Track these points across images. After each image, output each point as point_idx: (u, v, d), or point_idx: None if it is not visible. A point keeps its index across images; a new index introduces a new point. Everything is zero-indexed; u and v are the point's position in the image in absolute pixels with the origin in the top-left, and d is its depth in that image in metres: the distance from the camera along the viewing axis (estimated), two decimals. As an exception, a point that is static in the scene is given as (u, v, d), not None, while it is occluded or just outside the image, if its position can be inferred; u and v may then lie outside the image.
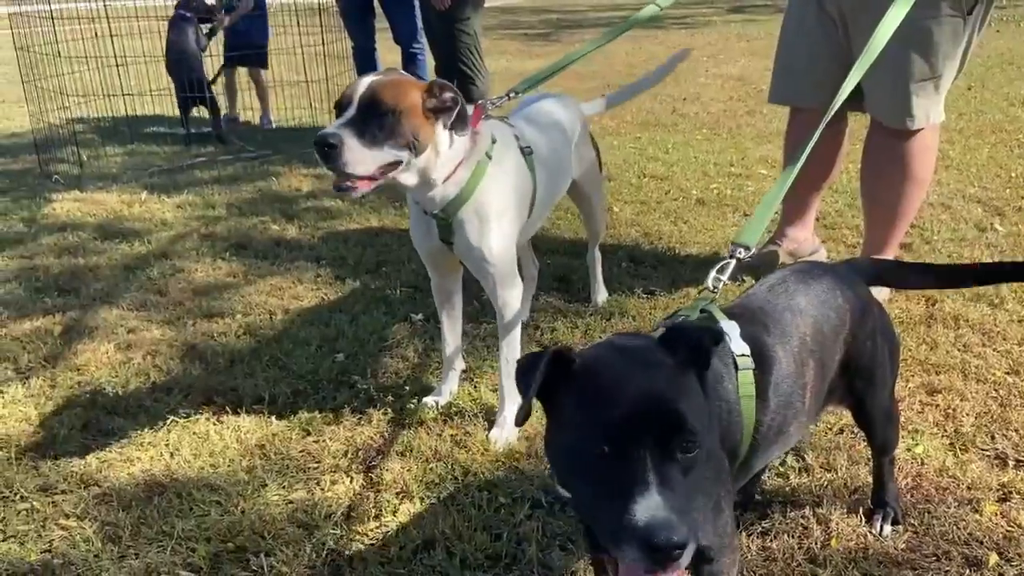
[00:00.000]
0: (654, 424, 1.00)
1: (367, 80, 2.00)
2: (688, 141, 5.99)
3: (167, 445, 2.37)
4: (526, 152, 2.39)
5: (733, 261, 1.52)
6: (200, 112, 6.50)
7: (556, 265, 3.53)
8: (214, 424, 2.47)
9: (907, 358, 2.54)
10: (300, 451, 2.32)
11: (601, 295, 3.18)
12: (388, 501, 2.07)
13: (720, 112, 7.24)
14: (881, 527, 1.81)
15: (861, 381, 1.61)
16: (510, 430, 2.33)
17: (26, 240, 4.17)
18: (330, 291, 3.46)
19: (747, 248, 1.54)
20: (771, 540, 1.83)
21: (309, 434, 2.41)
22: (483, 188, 2.20)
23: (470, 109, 2.26)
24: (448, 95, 2.05)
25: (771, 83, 3.25)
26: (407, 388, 2.62)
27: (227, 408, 2.54)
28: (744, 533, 1.84)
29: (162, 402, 2.61)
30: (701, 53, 11.71)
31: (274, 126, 7.10)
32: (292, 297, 3.42)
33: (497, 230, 2.25)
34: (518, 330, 2.39)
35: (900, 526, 1.83)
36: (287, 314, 3.25)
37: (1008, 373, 2.44)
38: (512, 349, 2.37)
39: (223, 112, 6.75)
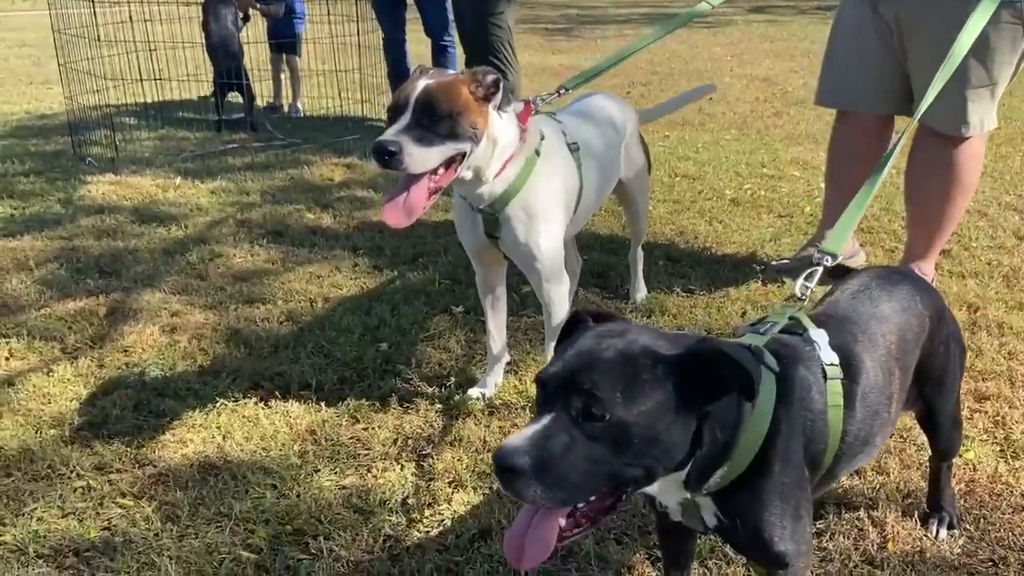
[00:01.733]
0: (563, 385, 1.11)
1: (420, 83, 2.00)
2: (717, 141, 5.99)
3: (218, 428, 2.40)
4: (573, 149, 2.40)
5: (820, 269, 1.52)
6: (235, 98, 6.52)
7: (594, 261, 3.54)
8: (263, 408, 2.50)
9: (952, 364, 2.55)
10: (350, 437, 2.35)
11: (641, 292, 3.19)
12: (441, 490, 2.10)
13: (747, 113, 7.23)
14: (937, 531, 1.82)
15: (931, 386, 1.62)
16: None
17: (64, 222, 4.21)
18: (369, 280, 3.48)
19: (834, 256, 1.55)
20: (827, 541, 1.85)
21: (358, 421, 2.43)
22: (531, 185, 2.22)
23: (519, 105, 2.28)
24: (490, 79, 2.06)
25: (819, 84, 3.24)
26: (452, 379, 2.64)
27: (275, 393, 2.57)
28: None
29: (210, 385, 2.63)
30: (724, 52, 11.69)
31: (302, 115, 7.13)
32: (331, 285, 3.44)
33: (544, 227, 2.27)
34: (564, 325, 2.41)
35: (956, 530, 1.84)
36: (328, 302, 3.27)
37: (1054, 381, 2.45)
38: (560, 344, 2.39)
39: (268, 100, 6.79)
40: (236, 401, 2.53)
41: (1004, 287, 3.14)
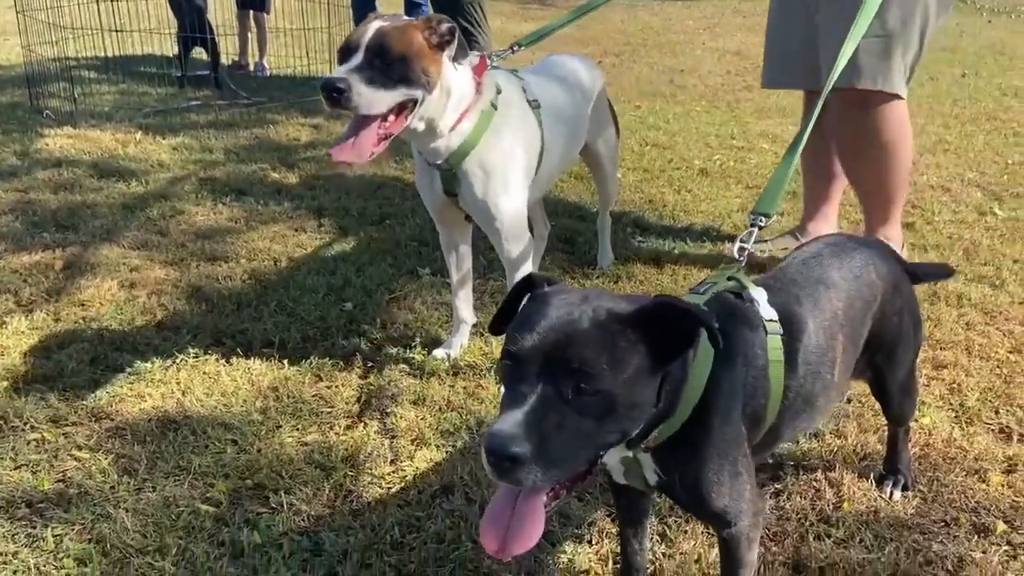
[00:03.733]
0: (547, 361, 1.07)
1: (373, 26, 1.97)
2: (688, 112, 5.99)
3: (178, 383, 2.36)
4: (534, 106, 2.36)
5: (755, 230, 1.53)
6: (199, 54, 6.36)
7: (562, 227, 3.53)
8: (224, 365, 2.46)
9: (912, 333, 2.59)
10: (313, 395, 2.33)
11: (607, 258, 3.19)
12: (404, 447, 2.09)
13: (718, 85, 7.24)
14: (892, 492, 1.86)
15: (883, 356, 1.63)
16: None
17: (20, 174, 4.09)
18: (334, 241, 3.44)
19: (767, 216, 1.55)
20: (784, 500, 1.87)
21: (321, 379, 2.41)
22: (487, 140, 2.18)
23: (475, 59, 2.24)
24: (445, 26, 2.03)
25: (763, 67, 3.20)
26: (416, 340, 2.62)
27: (237, 350, 2.53)
28: (758, 492, 1.88)
29: (170, 341, 2.59)
30: (697, 25, 11.68)
31: (268, 74, 6.99)
32: (296, 245, 3.39)
33: (503, 184, 2.24)
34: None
35: (910, 492, 1.88)
36: (292, 261, 3.23)
37: (1011, 352, 2.49)
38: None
39: (233, 58, 6.62)
40: (197, 357, 2.49)
41: (964, 260, 3.19)
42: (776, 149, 4.85)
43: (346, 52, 1.96)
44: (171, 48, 6.44)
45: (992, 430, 2.13)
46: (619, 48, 9.37)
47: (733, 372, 1.28)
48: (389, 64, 1.93)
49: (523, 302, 1.21)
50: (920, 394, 2.27)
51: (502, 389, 1.15)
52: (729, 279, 1.42)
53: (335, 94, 1.89)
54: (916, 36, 2.73)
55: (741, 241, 1.53)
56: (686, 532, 1.76)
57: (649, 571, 1.66)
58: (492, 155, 2.18)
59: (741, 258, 1.50)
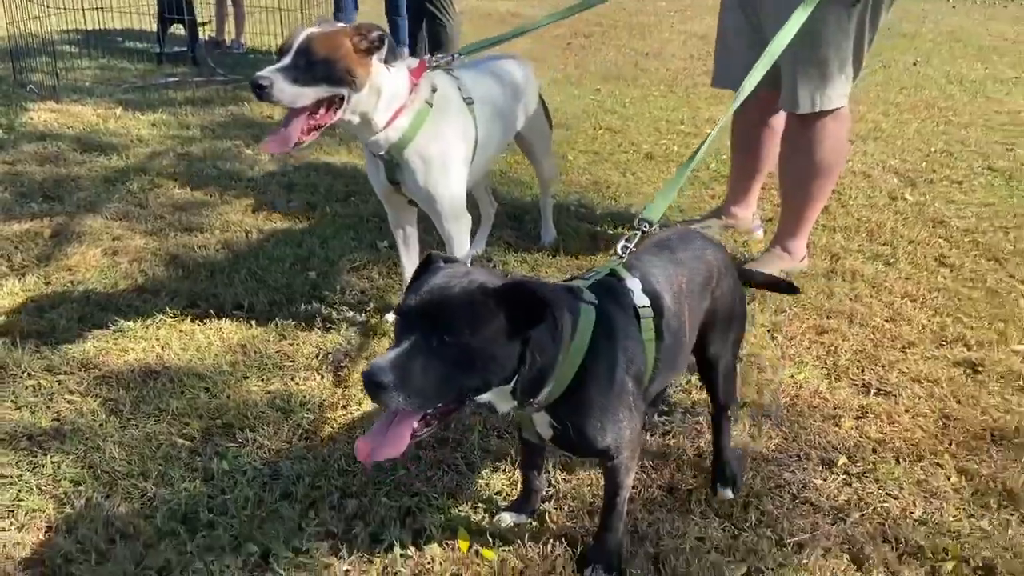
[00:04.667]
0: (422, 315, 1.39)
1: (304, 32, 2.27)
2: (645, 96, 6.31)
3: (157, 340, 2.68)
4: (468, 102, 2.65)
5: (639, 234, 1.83)
6: (177, 30, 6.58)
7: (511, 205, 3.86)
8: (199, 325, 2.78)
9: (805, 304, 2.96)
10: (276, 351, 2.65)
11: (549, 236, 3.52)
12: (354, 395, 2.42)
13: (679, 70, 7.55)
14: (723, 493, 2.01)
15: (715, 332, 1.91)
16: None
17: (7, 147, 4.35)
18: (302, 216, 3.75)
19: (650, 223, 1.85)
20: (670, 439, 2.23)
21: (285, 338, 2.73)
22: (424, 133, 2.47)
23: (414, 62, 2.54)
24: (375, 34, 2.30)
25: (713, 68, 3.44)
26: (372, 305, 2.95)
27: (210, 312, 2.85)
28: (648, 433, 2.24)
29: (150, 303, 2.90)
30: (669, 7, 11.95)
31: (244, 51, 7.22)
32: (266, 219, 3.70)
33: (441, 172, 2.52)
34: (466, 261, 2.71)
35: (740, 490, 2.03)
36: (262, 233, 3.54)
37: (887, 320, 2.87)
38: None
39: (210, 34, 6.84)
40: (174, 317, 2.81)
41: (867, 240, 3.56)
42: (720, 136, 5.17)
43: (281, 53, 2.28)
44: (150, 24, 6.65)
45: (855, 385, 2.50)
46: (590, 29, 9.65)
47: (612, 343, 1.59)
48: (313, 64, 2.23)
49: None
50: (801, 355, 2.65)
51: None
52: (611, 272, 1.74)
53: (259, 89, 2.20)
54: (852, 55, 2.92)
55: (625, 241, 1.80)
56: (581, 464, 2.12)
57: (550, 492, 2.02)
58: (430, 147, 2.48)
59: (623, 255, 1.78)
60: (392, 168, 2.52)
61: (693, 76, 7.27)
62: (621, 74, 7.18)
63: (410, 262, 2.89)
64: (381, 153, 2.49)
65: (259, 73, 2.23)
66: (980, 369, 2.56)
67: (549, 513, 1.96)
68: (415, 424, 1.45)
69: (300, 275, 3.16)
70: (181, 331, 2.74)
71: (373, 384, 1.36)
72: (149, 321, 2.78)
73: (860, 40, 2.92)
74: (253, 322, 2.81)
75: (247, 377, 2.51)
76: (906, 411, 2.35)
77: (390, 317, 2.86)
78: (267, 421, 2.30)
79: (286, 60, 2.24)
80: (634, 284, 1.67)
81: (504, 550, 1.84)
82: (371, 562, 1.81)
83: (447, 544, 1.86)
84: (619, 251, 1.76)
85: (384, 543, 1.85)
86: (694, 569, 1.78)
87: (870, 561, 1.80)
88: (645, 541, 1.87)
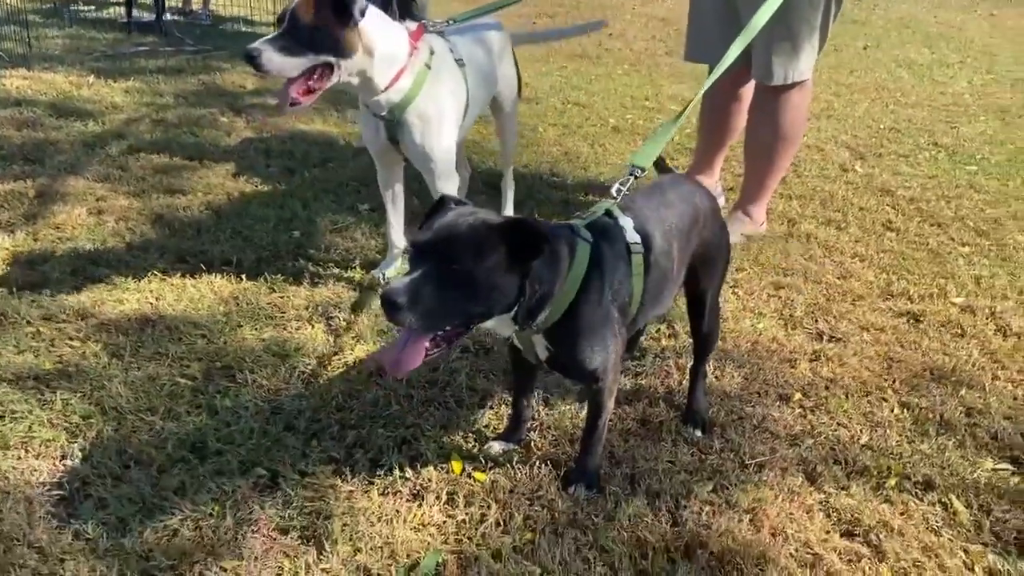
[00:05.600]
0: (433, 247, 1.56)
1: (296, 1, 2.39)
2: (610, 74, 6.49)
3: (151, 292, 2.78)
4: (460, 64, 2.81)
5: (632, 178, 2.01)
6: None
7: (485, 172, 4.01)
8: (189, 279, 2.89)
9: (765, 263, 3.17)
10: (268, 303, 2.78)
11: None
12: (347, 343, 2.56)
13: (642, 50, 7.75)
14: (694, 432, 2.19)
15: (704, 268, 2.10)
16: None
17: (-20, 111, 4.36)
18: (282, 179, 3.85)
19: (642, 169, 2.02)
20: (641, 380, 2.42)
21: (275, 291, 2.86)
22: (424, 93, 2.62)
23: (413, 25, 2.68)
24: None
25: (685, 43, 3.62)
26: (356, 262, 3.09)
27: (200, 267, 2.95)
28: (623, 374, 2.42)
29: (140, 258, 3.00)
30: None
31: (211, 21, 7.22)
32: (246, 182, 3.79)
33: (437, 131, 2.68)
34: (455, 216, 2.86)
35: (708, 433, 2.20)
36: (244, 196, 3.64)
37: (838, 277, 3.09)
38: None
39: (178, 3, 6.82)
40: (165, 272, 2.91)
41: (820, 207, 3.79)
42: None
43: (279, 22, 2.40)
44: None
45: (809, 333, 2.71)
46: (553, 10, 9.78)
47: (602, 276, 1.77)
48: (299, 33, 2.35)
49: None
50: (760, 308, 2.85)
51: None
52: (606, 211, 1.91)
53: (250, 60, 2.33)
54: (820, 28, 3.12)
55: (619, 184, 1.99)
56: (563, 399, 2.30)
57: (534, 424, 2.19)
58: (429, 107, 2.63)
59: (617, 197, 1.97)
60: (392, 127, 2.65)
61: (655, 56, 7.47)
62: (586, 53, 7.35)
63: (397, 219, 3.02)
64: (383, 113, 2.61)
65: (251, 45, 2.35)
66: (922, 319, 2.79)
67: (534, 441, 2.13)
68: (427, 344, 1.61)
69: (284, 234, 3.27)
70: (173, 284, 2.85)
71: (389, 303, 1.52)
72: (141, 275, 2.87)
73: (827, 14, 3.13)
74: (243, 277, 2.92)
75: (241, 326, 2.63)
76: (854, 354, 2.57)
77: (375, 273, 3.00)
78: (264, 364, 2.42)
79: (280, 30, 2.37)
80: (627, 222, 1.84)
81: (494, 472, 2.01)
82: (372, 483, 1.96)
83: (441, 467, 2.02)
84: (614, 193, 1.92)
85: (384, 467, 2.01)
86: (666, 486, 1.97)
87: (822, 478, 2.01)
88: (622, 464, 2.05)
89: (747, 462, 2.07)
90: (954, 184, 4.21)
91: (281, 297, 2.83)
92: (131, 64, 5.60)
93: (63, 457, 2.01)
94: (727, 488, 1.97)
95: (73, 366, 2.35)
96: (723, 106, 3.62)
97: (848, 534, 1.84)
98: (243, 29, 6.89)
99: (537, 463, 2.04)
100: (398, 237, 3.06)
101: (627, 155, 4.46)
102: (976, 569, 1.74)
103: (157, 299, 2.75)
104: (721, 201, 3.84)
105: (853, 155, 4.63)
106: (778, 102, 3.28)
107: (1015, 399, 2.35)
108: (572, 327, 1.75)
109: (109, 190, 3.57)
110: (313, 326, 2.66)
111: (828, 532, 1.83)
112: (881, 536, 1.81)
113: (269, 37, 2.36)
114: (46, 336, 2.49)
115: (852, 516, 1.87)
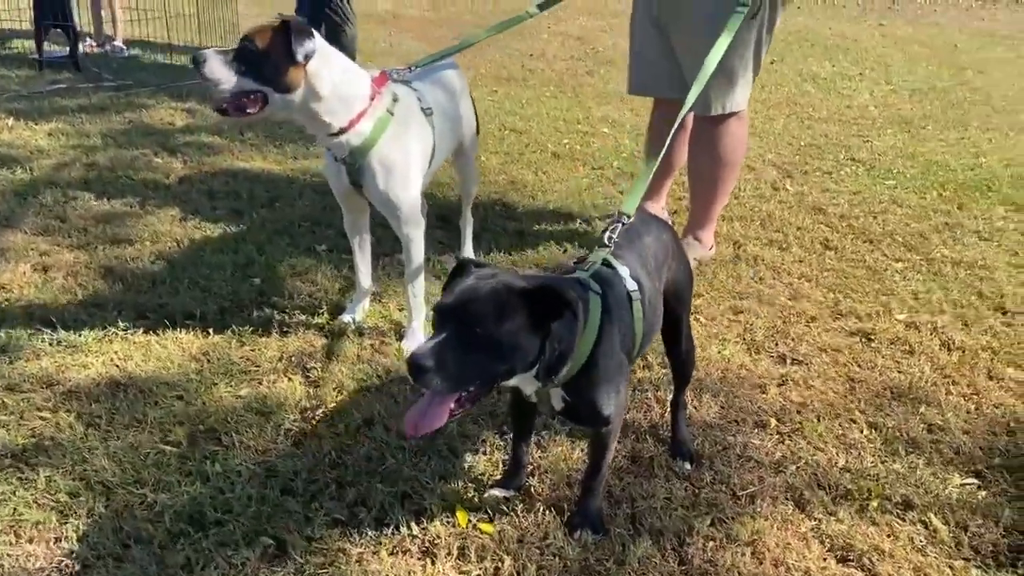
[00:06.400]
0: (456, 311, 1.62)
1: (262, 22, 2.44)
2: (538, 97, 6.60)
3: (115, 353, 2.71)
4: (427, 113, 2.85)
5: (620, 224, 2.07)
6: (56, 38, 6.33)
7: (439, 206, 4.04)
8: (153, 336, 2.82)
9: (720, 288, 3.31)
10: (240, 357, 2.74)
11: (467, 254, 3.57)
12: (328, 394, 2.55)
13: (563, 70, 7.90)
14: (683, 465, 2.26)
15: (675, 299, 2.19)
16: (419, 340, 2.85)
17: None
18: (231, 223, 3.78)
19: (629, 216, 2.09)
20: (626, 415, 2.49)
21: (244, 344, 2.82)
22: (385, 140, 2.63)
23: (376, 72, 2.70)
24: (283, 23, 2.41)
25: (628, 74, 3.74)
26: (323, 308, 3.07)
27: (163, 322, 2.89)
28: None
29: (97, 317, 2.91)
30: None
31: (126, 54, 7.01)
32: (195, 227, 3.72)
33: (402, 178, 2.69)
34: (422, 261, 2.87)
35: (695, 463, 2.28)
36: (194, 242, 3.56)
37: (789, 299, 3.24)
38: (417, 278, 2.85)
39: (88, 38, 6.59)
40: (126, 330, 2.84)
41: (761, 228, 3.97)
42: (615, 134, 5.55)
43: (193, 63, 2.43)
44: (22, 23, 6.36)
45: (772, 356, 2.85)
46: (470, 31, 9.86)
47: (613, 327, 1.83)
48: (247, 55, 2.40)
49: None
50: (723, 334, 2.98)
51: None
52: (604, 262, 1.97)
53: (195, 63, 2.39)
54: (753, 61, 3.30)
55: (610, 232, 2.03)
56: (555, 441, 2.35)
57: (529, 467, 2.24)
58: (393, 154, 2.64)
59: (609, 245, 2.01)
60: (355, 171, 2.66)
61: (577, 77, 7.63)
62: (511, 75, 7.45)
63: (364, 263, 3.02)
64: (344, 156, 2.62)
65: (203, 50, 2.42)
66: (872, 337, 2.97)
67: (533, 486, 2.18)
68: (452, 404, 1.66)
69: (244, 282, 3.22)
70: (137, 343, 2.78)
71: (417, 367, 1.57)
72: (101, 335, 2.79)
73: (759, 48, 3.31)
74: (209, 330, 2.87)
75: (216, 384, 2.59)
76: (818, 376, 2.71)
77: (344, 318, 2.99)
78: (248, 424, 2.39)
79: (235, 48, 2.42)
80: (624, 271, 1.92)
81: (500, 522, 2.05)
82: (380, 543, 1.97)
83: (447, 521, 2.04)
84: (607, 241, 1.99)
85: (390, 525, 2.02)
86: (667, 524, 2.04)
87: (811, 504, 2.12)
88: (621, 503, 2.12)
89: (739, 493, 2.16)
90: (877, 200, 4.46)
91: (252, 350, 2.79)
92: (50, 103, 5.39)
93: (57, 539, 1.95)
94: (724, 522, 2.06)
95: (48, 439, 2.28)
96: (668, 135, 3.74)
97: (843, 560, 1.95)
98: (162, 60, 6.70)
99: (541, 509, 2.08)
100: (366, 280, 3.06)
101: (570, 181, 4.56)
102: (963, 584, 1.88)
103: (124, 360, 2.67)
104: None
105: (781, 173, 4.85)
106: (717, 131, 3.44)
107: (968, 413, 2.53)
108: (590, 378, 1.81)
109: (51, 243, 3.44)
110: (290, 379, 2.64)
111: (825, 560, 1.94)
112: (874, 560, 1.93)
113: (222, 49, 2.42)
114: (13, 408, 2.40)
115: (845, 542, 1.99)
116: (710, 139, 3.45)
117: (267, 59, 2.40)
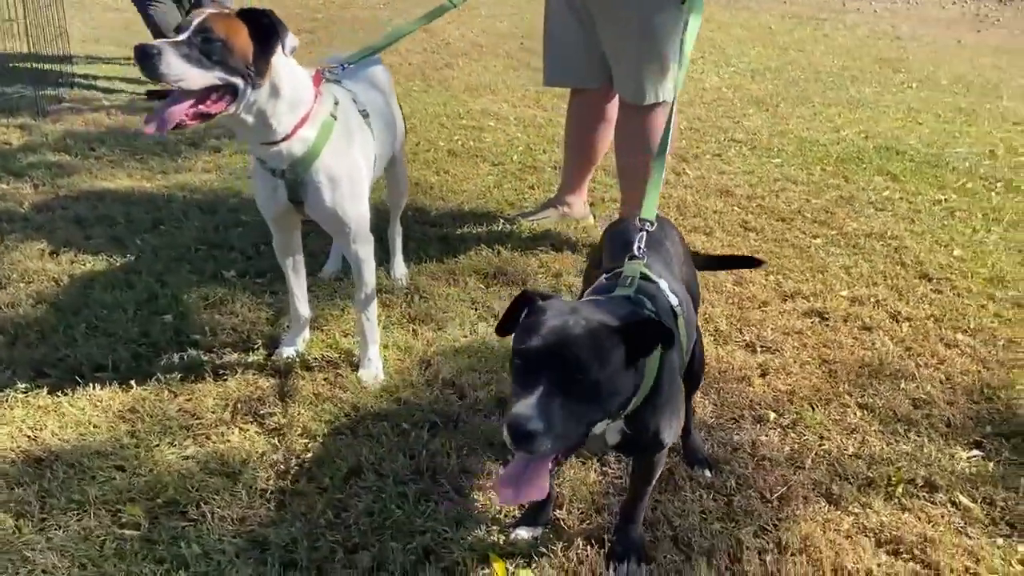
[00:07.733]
0: (551, 357, 1.40)
1: (205, 11, 2.07)
2: (408, 92, 6.33)
3: (22, 421, 2.26)
4: (364, 115, 2.57)
5: (645, 233, 1.92)
6: None
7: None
8: (62, 396, 2.38)
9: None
10: (176, 410, 2.36)
11: (400, 271, 3.26)
12: (296, 441, 2.25)
13: (422, 63, 7.65)
14: (704, 472, 2.18)
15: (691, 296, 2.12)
16: (377, 369, 2.59)
17: None
18: (113, 253, 3.29)
19: (652, 223, 1.96)
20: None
21: (176, 394, 2.43)
22: (331, 149, 2.32)
23: (311, 69, 2.40)
24: (263, 17, 2.09)
25: (544, 67, 3.62)
26: (254, 342, 2.72)
27: (74, 378, 2.45)
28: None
29: (-16, 381, 2.43)
30: (377, 0, 11.94)
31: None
32: (70, 261, 3.21)
33: (351, 193, 2.39)
34: (374, 281, 2.60)
35: (715, 469, 2.20)
36: (75, 279, 3.07)
37: (735, 284, 3.23)
38: (372, 302, 2.59)
39: None
40: (26, 392, 2.38)
41: (680, 215, 3.96)
42: (503, 127, 5.40)
43: (177, 31, 2.05)
44: None
45: (742, 345, 2.82)
46: (310, 25, 9.37)
47: (672, 349, 1.66)
48: (210, 44, 2.01)
49: (523, 312, 1.53)
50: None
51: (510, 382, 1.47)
52: (642, 276, 1.79)
53: (145, 59, 1.95)
54: (679, 47, 3.07)
55: (638, 242, 1.88)
56: (568, 464, 2.17)
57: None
58: (338, 165, 2.34)
59: (640, 256, 1.85)
60: (296, 187, 2.34)
61: (437, 70, 7.41)
62: (370, 71, 7.10)
63: (299, 288, 2.69)
64: (283, 168, 2.29)
65: (148, 43, 1.98)
66: (826, 316, 3.01)
67: (562, 519, 2.00)
68: (550, 464, 1.45)
69: (153, 321, 2.80)
70: (43, 407, 2.33)
71: (524, 434, 1.34)
72: (-3, 402, 2.33)
73: (684, 38, 3.22)
74: (129, 383, 2.46)
75: (156, 445, 2.21)
76: (794, 362, 2.70)
77: (285, 351, 2.66)
78: (213, 490, 2.06)
79: (182, 36, 2.01)
80: (663, 284, 1.78)
81: (539, 565, 1.86)
82: (416, 610, 1.74)
83: (484, 574, 1.83)
84: (637, 253, 1.84)
85: (421, 588, 1.78)
86: (715, 542, 1.93)
87: (842, 499, 2.08)
88: (660, 524, 1.99)
89: (768, 496, 2.09)
90: (772, 178, 4.59)
91: (187, 400, 2.42)
92: None
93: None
94: (768, 530, 1.98)
95: (-32, 542, 1.84)
96: (591, 126, 3.66)
97: (895, 553, 1.92)
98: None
99: (578, 543, 1.91)
100: (303, 307, 2.73)
101: (476, 180, 4.37)
102: (1013, 563, 1.89)
103: (36, 430, 2.23)
104: (591, 220, 3.89)
105: (675, 158, 4.89)
106: (648, 120, 3.37)
107: (942, 383, 2.60)
108: (655, 406, 1.65)
109: None
110: (242, 429, 2.31)
111: (878, 556, 1.90)
112: (927, 550, 1.90)
113: (171, 41, 2.00)
114: (-93, 512, 1.93)
115: (891, 534, 1.96)
116: (638, 128, 3.38)
117: (237, 48, 2.04)
